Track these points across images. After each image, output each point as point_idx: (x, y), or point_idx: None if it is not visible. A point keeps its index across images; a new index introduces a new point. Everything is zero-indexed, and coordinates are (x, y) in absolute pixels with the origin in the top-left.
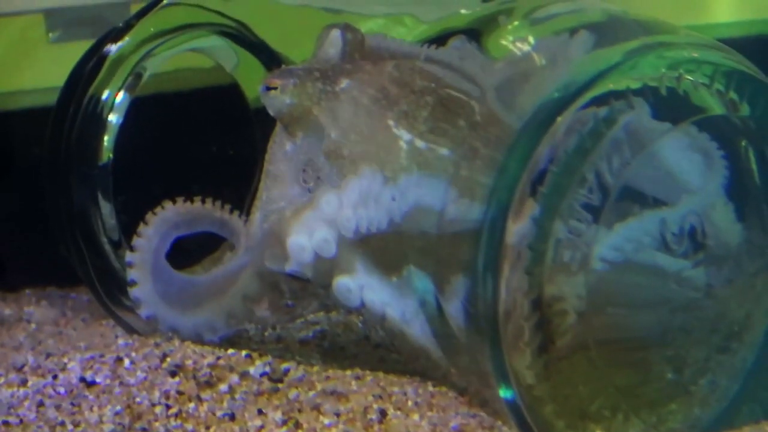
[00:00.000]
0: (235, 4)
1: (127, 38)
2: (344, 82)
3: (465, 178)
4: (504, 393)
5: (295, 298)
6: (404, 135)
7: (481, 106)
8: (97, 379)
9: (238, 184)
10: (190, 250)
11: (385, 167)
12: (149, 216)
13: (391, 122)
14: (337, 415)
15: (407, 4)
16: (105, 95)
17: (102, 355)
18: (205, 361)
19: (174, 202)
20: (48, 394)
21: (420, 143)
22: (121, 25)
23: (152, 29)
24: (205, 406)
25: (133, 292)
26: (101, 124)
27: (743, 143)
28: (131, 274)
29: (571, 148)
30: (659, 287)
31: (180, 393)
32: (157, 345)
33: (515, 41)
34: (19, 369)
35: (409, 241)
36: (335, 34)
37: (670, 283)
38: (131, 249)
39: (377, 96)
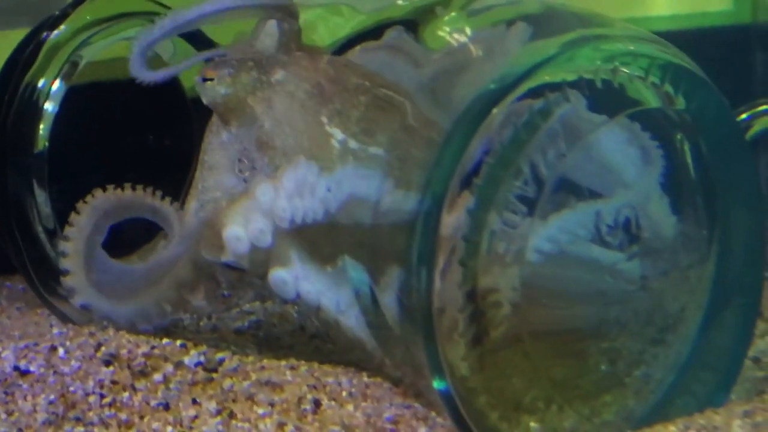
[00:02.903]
0: None
1: (63, 26)
2: (280, 74)
3: (398, 175)
4: (438, 384)
5: (231, 288)
6: (337, 134)
7: (415, 107)
8: (31, 368)
9: (175, 174)
10: (127, 240)
11: (316, 160)
12: (80, 204)
13: (324, 119)
14: (272, 405)
15: None
16: (41, 83)
17: (36, 344)
18: (140, 351)
19: (104, 190)
20: None
21: (352, 143)
22: (57, 13)
23: (88, 17)
24: (139, 396)
25: (66, 281)
26: (37, 112)
27: (679, 136)
28: (64, 263)
29: (507, 139)
30: (594, 280)
31: (114, 382)
32: (91, 334)
33: (452, 32)
34: None
35: (344, 231)
36: (271, 24)
37: (605, 275)
38: (64, 238)
39: (312, 91)
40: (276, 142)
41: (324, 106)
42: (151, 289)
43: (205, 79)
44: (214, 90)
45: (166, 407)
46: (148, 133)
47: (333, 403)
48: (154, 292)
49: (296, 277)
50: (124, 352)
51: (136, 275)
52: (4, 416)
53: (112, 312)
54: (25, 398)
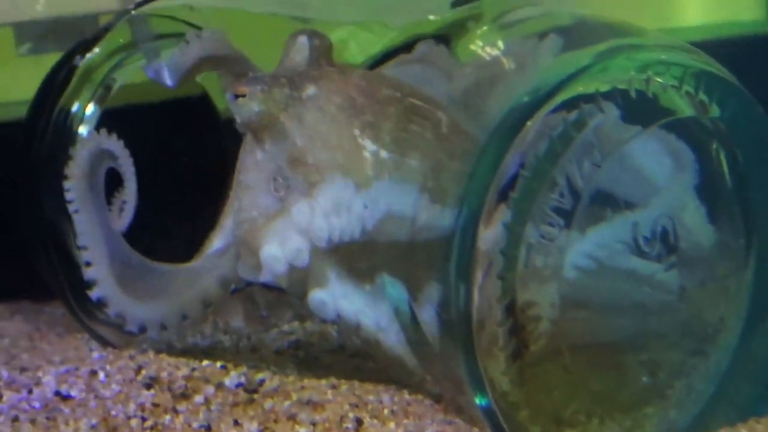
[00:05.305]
0: (204, 14)
1: (96, 50)
2: (311, 89)
3: (433, 188)
4: (479, 400)
5: (269, 309)
6: (369, 145)
7: (449, 117)
8: (72, 393)
9: (209, 195)
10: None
11: (351, 176)
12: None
13: (356, 131)
14: (313, 424)
15: (375, 10)
16: (75, 107)
17: (77, 369)
18: (180, 373)
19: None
20: (23, 408)
21: (384, 154)
22: (90, 36)
23: (121, 40)
24: (180, 418)
25: (88, 272)
26: (71, 137)
27: (714, 145)
28: (85, 255)
29: (541, 152)
30: (632, 291)
31: (155, 405)
32: (131, 357)
33: (484, 46)
34: None
35: (381, 248)
36: (302, 40)
37: (643, 286)
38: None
39: (343, 105)
40: (308, 158)
41: (356, 118)
42: (174, 297)
43: (236, 96)
44: (248, 107)
45: (208, 429)
46: (182, 155)
47: (375, 421)
48: (176, 301)
49: (335, 297)
50: (164, 374)
51: (162, 277)
52: None
53: (127, 310)
54: (66, 423)
